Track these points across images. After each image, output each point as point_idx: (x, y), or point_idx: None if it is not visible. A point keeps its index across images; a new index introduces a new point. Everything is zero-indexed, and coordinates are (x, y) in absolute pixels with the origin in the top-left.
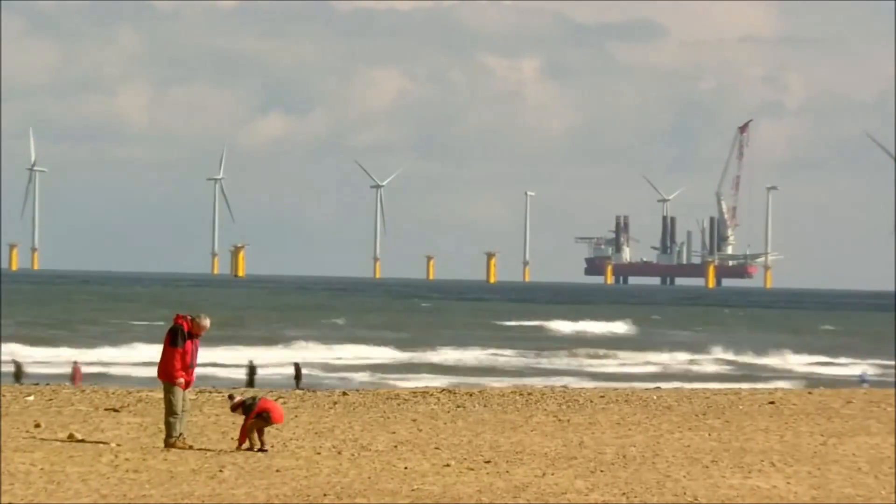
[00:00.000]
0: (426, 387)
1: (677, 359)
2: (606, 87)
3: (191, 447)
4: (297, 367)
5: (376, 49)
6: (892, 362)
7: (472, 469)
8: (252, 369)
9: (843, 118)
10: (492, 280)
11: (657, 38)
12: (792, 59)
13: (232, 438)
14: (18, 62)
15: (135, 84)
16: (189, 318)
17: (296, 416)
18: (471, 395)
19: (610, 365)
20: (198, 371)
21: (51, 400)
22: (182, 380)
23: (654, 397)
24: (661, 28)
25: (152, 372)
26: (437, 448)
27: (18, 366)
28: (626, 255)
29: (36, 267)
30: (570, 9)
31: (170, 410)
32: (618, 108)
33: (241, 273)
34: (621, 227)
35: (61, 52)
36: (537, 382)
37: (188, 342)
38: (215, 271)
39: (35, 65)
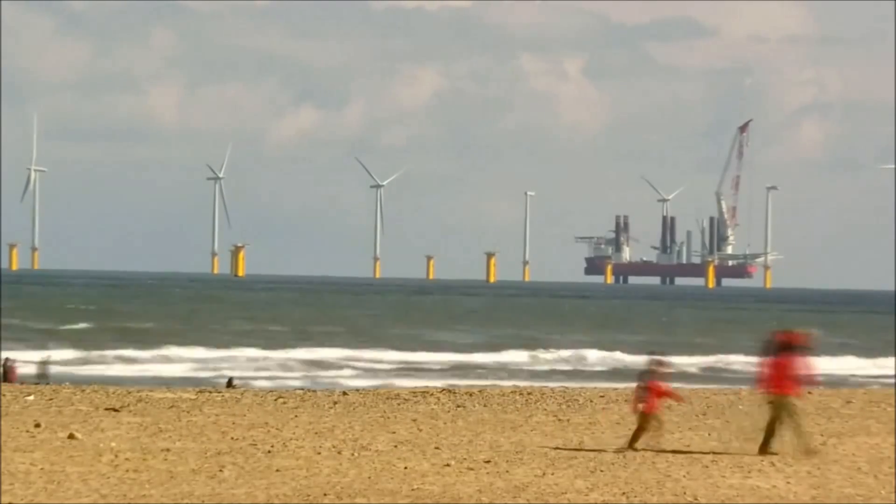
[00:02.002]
0: (426, 386)
1: None
2: (638, 87)
3: (775, 453)
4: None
5: (404, 48)
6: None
7: (472, 469)
8: None
9: (880, 118)
10: (492, 280)
11: (696, 37)
12: (832, 59)
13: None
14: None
15: (165, 83)
16: (797, 333)
17: (296, 416)
18: (471, 395)
19: None
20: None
21: (51, 400)
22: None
23: None
24: (702, 28)
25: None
26: (437, 448)
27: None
28: (626, 254)
29: (36, 267)
30: (604, 8)
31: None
32: (648, 108)
33: (241, 273)
34: (621, 227)
35: (91, 51)
36: None
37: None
38: (215, 271)
39: (56, 64)
